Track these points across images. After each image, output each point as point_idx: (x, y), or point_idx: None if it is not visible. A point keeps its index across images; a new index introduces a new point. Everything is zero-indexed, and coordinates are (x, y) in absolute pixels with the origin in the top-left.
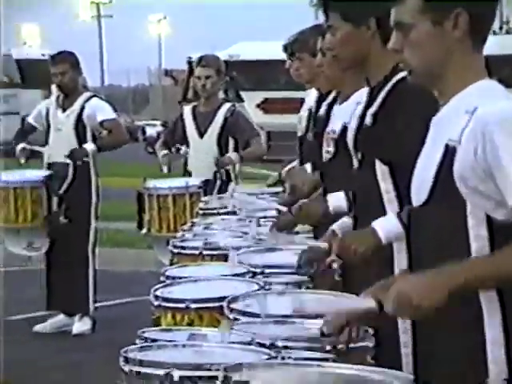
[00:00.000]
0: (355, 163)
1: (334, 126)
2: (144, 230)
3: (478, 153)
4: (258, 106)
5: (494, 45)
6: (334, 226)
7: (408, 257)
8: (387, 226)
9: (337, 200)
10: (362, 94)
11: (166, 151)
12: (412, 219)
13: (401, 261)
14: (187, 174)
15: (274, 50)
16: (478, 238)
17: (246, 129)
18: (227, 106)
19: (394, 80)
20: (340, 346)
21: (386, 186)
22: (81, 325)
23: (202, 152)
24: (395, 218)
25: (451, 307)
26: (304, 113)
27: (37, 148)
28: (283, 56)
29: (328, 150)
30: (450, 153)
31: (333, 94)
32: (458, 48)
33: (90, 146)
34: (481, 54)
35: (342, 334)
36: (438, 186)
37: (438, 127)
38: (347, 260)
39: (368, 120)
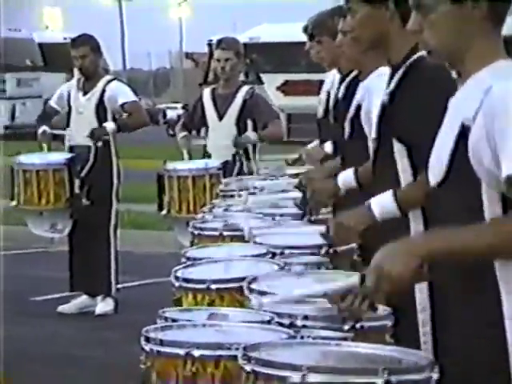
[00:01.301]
0: (372, 143)
1: (352, 105)
2: (164, 212)
3: (489, 132)
4: (279, 88)
5: None
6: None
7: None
8: (382, 202)
9: (345, 176)
10: (379, 73)
11: (185, 133)
12: (430, 197)
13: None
14: (207, 155)
15: (294, 32)
16: (493, 217)
17: (265, 111)
18: (246, 88)
19: (412, 59)
20: (358, 325)
21: (402, 165)
22: (103, 305)
23: (221, 134)
24: (391, 196)
25: (466, 281)
26: (323, 95)
27: (58, 132)
28: (303, 38)
29: (347, 130)
30: (465, 132)
31: (352, 75)
32: (477, 29)
33: (110, 125)
34: (499, 34)
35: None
36: (454, 165)
37: (455, 107)
38: (344, 239)
39: (385, 98)
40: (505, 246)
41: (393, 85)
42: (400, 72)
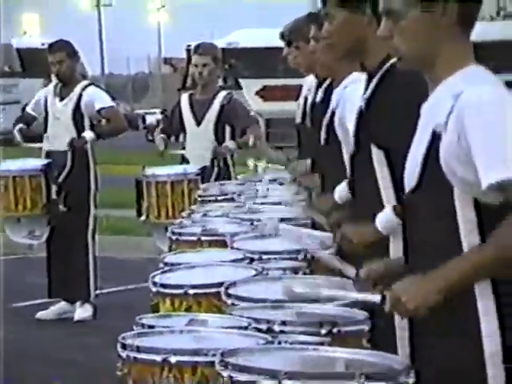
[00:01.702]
0: (351, 149)
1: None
2: (143, 217)
3: (460, 138)
4: (257, 93)
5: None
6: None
7: (403, 241)
8: (384, 217)
9: (341, 189)
10: (352, 79)
11: (163, 135)
12: (405, 205)
13: (396, 245)
14: (185, 161)
15: (272, 38)
16: (466, 222)
17: (243, 116)
18: (224, 93)
19: (387, 65)
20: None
21: (381, 172)
22: (82, 311)
23: (198, 139)
24: (391, 210)
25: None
26: (301, 100)
27: (35, 145)
28: (281, 43)
29: (323, 135)
30: (436, 138)
31: (328, 80)
32: (446, 35)
33: (88, 134)
34: (469, 40)
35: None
36: (426, 171)
37: (427, 113)
38: (349, 250)
39: (362, 104)
40: (507, 254)
41: (369, 91)
42: (376, 78)
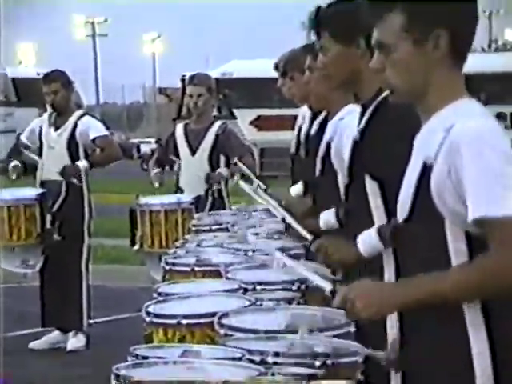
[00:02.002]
0: (345, 180)
1: (322, 143)
2: (136, 246)
3: (451, 171)
4: (252, 123)
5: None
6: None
7: (395, 270)
8: (368, 240)
9: (326, 216)
10: (347, 110)
11: (158, 169)
12: (397, 234)
13: (390, 272)
14: (179, 190)
15: (266, 68)
16: (457, 253)
17: (237, 146)
18: (218, 123)
19: (381, 97)
20: (329, 362)
21: (375, 202)
22: (75, 341)
23: (193, 169)
24: (375, 233)
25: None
26: (296, 130)
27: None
28: (276, 74)
29: (318, 167)
30: (427, 170)
31: (324, 113)
32: (438, 67)
33: (82, 163)
34: (460, 72)
35: None
36: (418, 202)
37: (418, 145)
38: (331, 266)
39: (356, 136)
40: (461, 288)
41: (363, 122)
42: (370, 110)
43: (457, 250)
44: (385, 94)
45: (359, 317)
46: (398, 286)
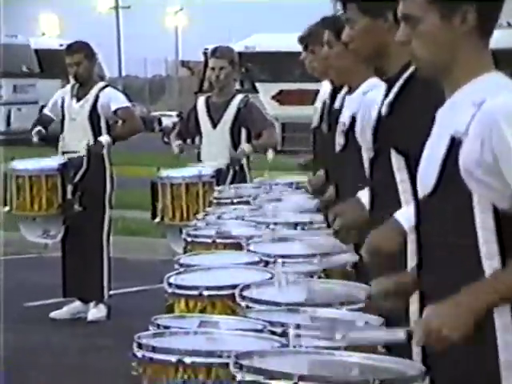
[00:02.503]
0: (370, 154)
1: (343, 117)
2: (157, 219)
3: (485, 145)
4: (273, 97)
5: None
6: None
7: (417, 245)
8: (410, 216)
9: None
10: (370, 84)
11: (179, 141)
12: (420, 209)
13: (412, 247)
14: (200, 163)
15: (289, 42)
16: (484, 229)
17: (259, 120)
18: (240, 96)
19: (410, 70)
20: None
21: (401, 176)
22: (96, 311)
23: (214, 142)
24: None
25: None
26: (318, 105)
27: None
28: (298, 48)
29: (339, 141)
30: (455, 144)
31: (346, 87)
32: (465, 41)
33: (105, 139)
34: (487, 47)
35: None
36: (444, 177)
37: (443, 119)
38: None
39: (384, 110)
40: None
41: (392, 96)
42: (399, 83)
43: (483, 226)
44: (414, 67)
45: (452, 341)
46: (469, 296)
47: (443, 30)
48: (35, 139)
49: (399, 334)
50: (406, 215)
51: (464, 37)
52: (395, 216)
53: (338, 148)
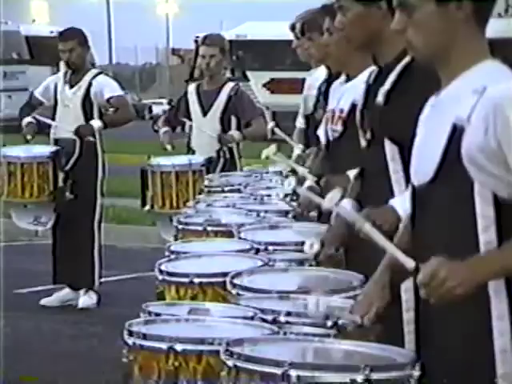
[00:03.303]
0: (363, 142)
1: (341, 104)
2: (147, 207)
3: (488, 132)
4: (265, 85)
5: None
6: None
7: (412, 233)
8: (404, 204)
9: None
10: (370, 74)
11: (167, 128)
12: (416, 197)
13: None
14: (190, 151)
15: (280, 31)
16: (484, 217)
17: (249, 108)
18: (231, 84)
19: (407, 59)
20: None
21: (394, 165)
22: (86, 299)
23: (204, 130)
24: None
25: None
26: (311, 92)
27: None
28: (290, 36)
29: (335, 128)
30: (458, 132)
31: (344, 75)
32: (461, 29)
33: (96, 123)
34: (484, 34)
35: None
36: (445, 165)
37: (440, 107)
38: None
39: (380, 99)
40: None
41: (388, 85)
42: (396, 72)
43: (484, 215)
44: (410, 56)
45: (451, 294)
46: (481, 261)
47: (439, 18)
48: (28, 136)
49: (410, 263)
50: (399, 203)
51: (460, 24)
52: (390, 203)
53: (334, 134)
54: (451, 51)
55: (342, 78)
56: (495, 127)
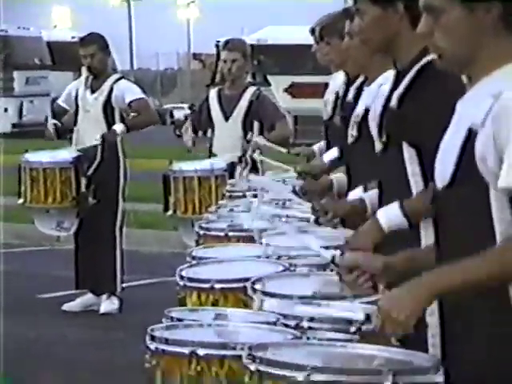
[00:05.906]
0: (378, 146)
1: (358, 109)
2: (170, 212)
3: (497, 137)
4: (286, 90)
5: None
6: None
7: (435, 236)
8: (389, 215)
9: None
10: (386, 77)
11: (191, 133)
12: (437, 200)
13: (428, 239)
14: (212, 156)
15: (301, 35)
16: (501, 221)
17: (272, 112)
18: (252, 89)
19: (421, 63)
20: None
21: (412, 168)
22: (108, 304)
23: (226, 135)
24: (398, 207)
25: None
26: (330, 96)
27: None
28: (311, 40)
29: (352, 133)
30: (472, 136)
31: (361, 79)
32: (488, 33)
33: (119, 127)
34: (511, 38)
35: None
36: (461, 169)
37: (463, 110)
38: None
39: (394, 102)
40: (505, 272)
41: (402, 88)
42: (410, 75)
43: (501, 218)
44: (426, 59)
45: (402, 324)
46: (430, 275)
47: (466, 22)
48: (51, 131)
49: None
50: (387, 214)
51: (488, 29)
52: (376, 215)
53: (350, 140)
54: (478, 55)
55: (359, 81)
56: (501, 131)
